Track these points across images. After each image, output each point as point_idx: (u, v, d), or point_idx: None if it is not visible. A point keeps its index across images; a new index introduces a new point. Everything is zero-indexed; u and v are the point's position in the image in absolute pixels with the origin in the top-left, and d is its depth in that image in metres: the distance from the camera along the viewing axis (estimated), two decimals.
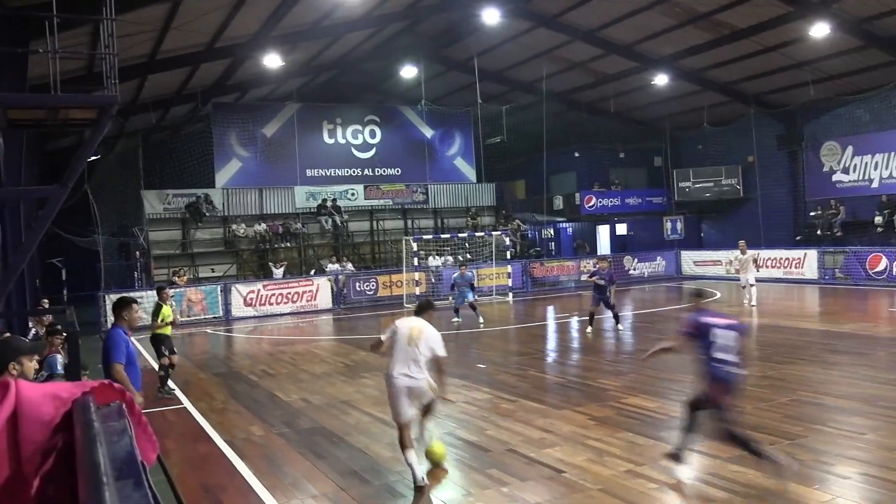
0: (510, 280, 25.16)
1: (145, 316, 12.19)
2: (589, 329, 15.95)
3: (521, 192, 35.32)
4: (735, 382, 6.25)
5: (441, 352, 6.92)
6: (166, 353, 11.67)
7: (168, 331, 11.88)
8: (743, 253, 19.87)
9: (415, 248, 23.49)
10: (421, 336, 6.84)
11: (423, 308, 7.34)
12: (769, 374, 10.48)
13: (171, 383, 11.81)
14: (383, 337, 6.92)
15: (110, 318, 7.71)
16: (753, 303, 19.13)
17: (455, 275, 19.05)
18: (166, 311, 11.81)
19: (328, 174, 30.11)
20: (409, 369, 6.72)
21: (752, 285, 19.31)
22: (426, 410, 7.11)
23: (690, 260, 28.89)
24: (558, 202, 31.71)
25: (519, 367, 12.34)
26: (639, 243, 30.68)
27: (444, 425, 8.72)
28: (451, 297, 19.48)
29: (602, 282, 16.20)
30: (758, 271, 20.00)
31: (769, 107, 27.64)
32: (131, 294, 19.50)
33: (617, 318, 16.19)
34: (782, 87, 26.39)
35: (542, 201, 30.01)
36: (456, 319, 18.04)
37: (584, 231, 33.56)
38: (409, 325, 6.93)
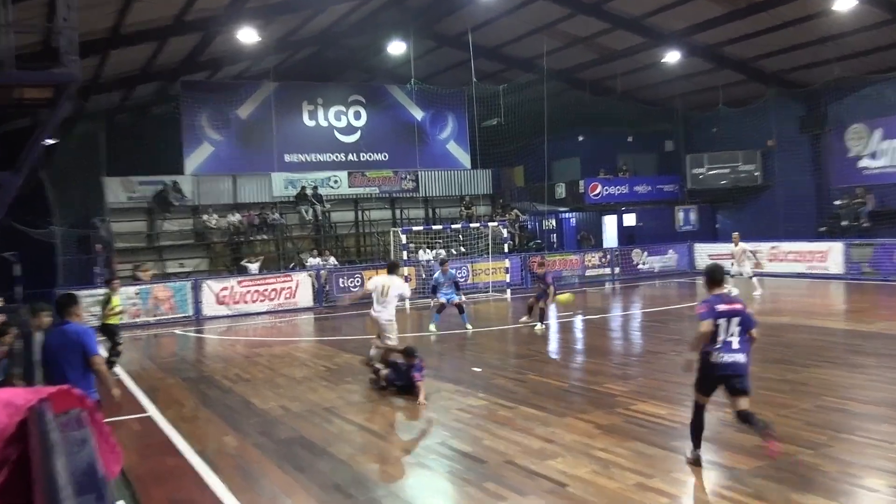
0: (508, 275, 25.20)
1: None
2: (538, 326, 16.73)
3: (520, 179, 35.32)
4: (733, 368, 7.01)
5: (407, 293, 12.76)
6: (121, 342, 13.77)
7: (117, 320, 13.89)
8: (735, 244, 21.11)
9: (404, 241, 23.48)
10: (389, 289, 11.90)
11: (393, 268, 12.59)
12: (790, 378, 10.53)
13: (129, 382, 11.81)
14: (367, 288, 12.21)
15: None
16: (757, 292, 20.23)
17: (436, 274, 18.31)
18: (115, 300, 13.79)
19: (308, 160, 30.06)
20: (376, 308, 11.99)
21: (750, 277, 20.56)
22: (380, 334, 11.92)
23: (704, 253, 28.94)
24: (560, 190, 31.74)
25: (517, 370, 12.36)
26: (648, 235, 30.77)
27: (436, 434, 8.72)
28: (432, 301, 18.73)
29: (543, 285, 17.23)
30: (755, 265, 21.14)
31: (790, 86, 27.72)
32: (88, 291, 19.47)
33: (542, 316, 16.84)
34: (804, 65, 26.45)
35: (542, 189, 30.04)
36: (432, 327, 17.14)
37: (589, 222, 33.59)
38: (383, 281, 12.07)
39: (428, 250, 26.46)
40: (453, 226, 26.83)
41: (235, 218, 27.27)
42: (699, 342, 7.04)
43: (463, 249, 27.50)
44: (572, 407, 9.67)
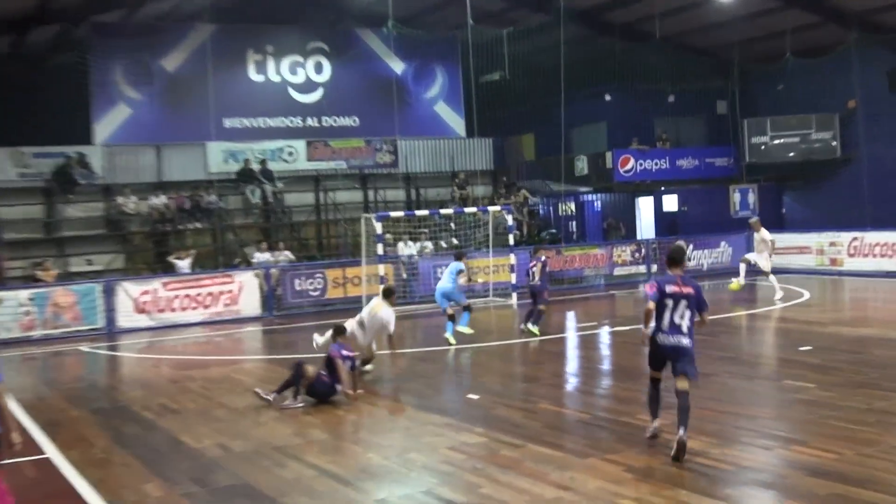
0: (513, 275, 25.18)
1: None
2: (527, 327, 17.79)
3: (530, 150, 35.39)
4: (676, 351, 9.29)
5: (391, 329, 14.02)
6: None
7: None
8: (756, 230, 22.27)
9: (379, 231, 23.43)
10: (375, 315, 14.05)
11: (387, 294, 14.52)
12: (877, 406, 10.58)
13: (21, 416, 11.78)
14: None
15: None
16: (778, 295, 21.17)
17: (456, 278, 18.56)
18: None
19: (255, 125, 30.02)
20: (357, 330, 14.09)
21: (767, 274, 21.64)
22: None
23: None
24: (582, 165, 31.80)
25: (526, 397, 12.37)
26: (695, 223, 30.89)
27: (420, 481, 8.72)
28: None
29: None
30: (770, 256, 22.01)
31: (879, 31, 27.79)
32: None
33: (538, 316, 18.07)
34: None
35: (559, 164, 30.05)
36: (464, 329, 18.00)
37: (619, 206, 33.69)
38: (373, 304, 14.31)
39: (410, 243, 26.45)
40: (443, 211, 26.82)
41: (160, 201, 27.20)
42: (646, 321, 9.41)
43: (455, 242, 27.51)
44: (597, 445, 9.67)
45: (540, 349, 16.76)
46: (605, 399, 12.34)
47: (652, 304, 9.34)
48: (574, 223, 33.33)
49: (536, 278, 18.32)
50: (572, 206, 33.54)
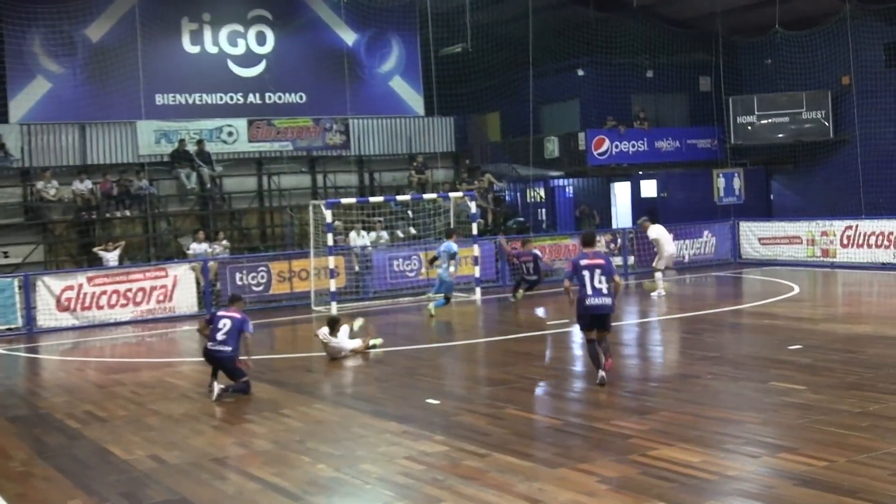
0: (477, 268, 25.23)
1: None
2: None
3: (495, 131, 35.42)
4: (600, 309, 12.77)
5: (349, 347, 16.05)
6: None
7: None
8: (645, 230, 23.76)
9: (329, 220, 23.37)
10: (329, 339, 15.96)
11: (333, 324, 16.17)
12: (871, 411, 10.74)
13: None
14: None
15: None
16: (660, 292, 22.41)
17: (443, 246, 21.61)
18: None
19: (190, 102, 29.81)
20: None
21: (657, 270, 22.99)
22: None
23: (754, 236, 29.41)
24: (552, 147, 31.89)
25: (491, 402, 12.41)
26: (676, 211, 31.07)
27: (375, 496, 8.74)
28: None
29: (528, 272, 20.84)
30: (666, 249, 23.09)
31: (875, 1, 28.05)
32: None
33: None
34: None
35: (526, 146, 30.14)
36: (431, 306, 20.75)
37: (593, 192, 33.86)
38: (324, 332, 15.99)
39: (364, 233, 26.39)
40: (399, 198, 26.77)
41: (84, 186, 26.92)
42: (567, 293, 13.09)
43: (413, 231, 27.53)
44: (568, 453, 9.73)
45: (507, 349, 16.81)
46: (578, 403, 12.43)
47: (567, 282, 13.09)
48: (544, 211, 33.47)
49: (532, 273, 21.75)
50: (542, 192, 33.66)
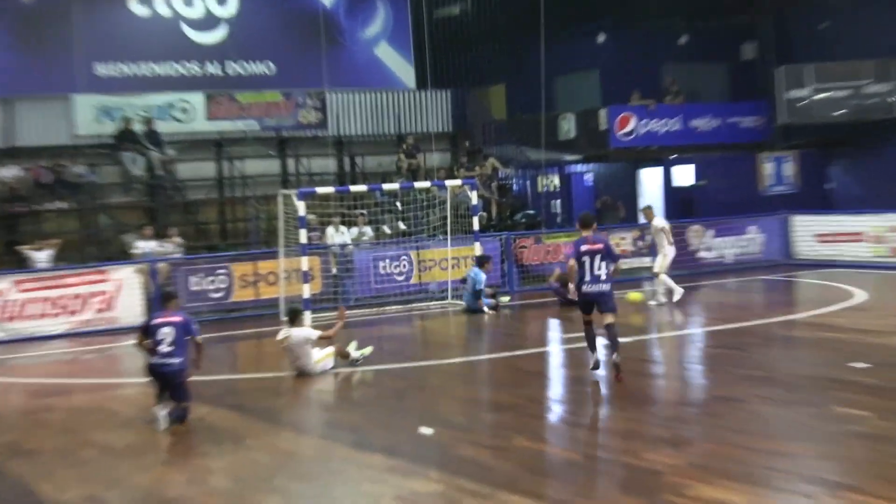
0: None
1: None
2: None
3: (500, 108, 35.40)
4: (599, 296, 14.50)
5: (315, 335, 16.27)
6: None
7: None
8: (649, 220, 23.88)
9: (302, 212, 23.30)
10: (291, 343, 16.22)
11: (294, 316, 16.69)
12: None
13: None
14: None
15: None
16: (659, 300, 22.65)
17: (472, 272, 23.19)
18: None
19: (138, 73, 29.83)
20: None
21: (657, 273, 23.05)
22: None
23: (809, 232, 29.40)
24: (568, 126, 31.88)
25: (496, 431, 12.36)
26: (716, 202, 31.15)
27: None
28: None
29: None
30: (669, 249, 23.20)
31: None
32: None
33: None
34: None
35: (537, 125, 30.06)
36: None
37: (617, 179, 33.89)
38: (284, 335, 16.33)
39: (343, 228, 26.37)
40: (386, 187, 26.76)
41: (10, 173, 26.88)
42: (570, 276, 14.92)
43: (403, 227, 27.56)
44: (589, 493, 9.69)
45: (514, 367, 16.78)
46: (600, 433, 12.37)
47: (573, 262, 14.62)
48: (558, 202, 33.46)
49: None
50: (556, 180, 33.63)
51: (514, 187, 33.11)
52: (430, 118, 32.80)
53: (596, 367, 14.57)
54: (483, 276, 22.94)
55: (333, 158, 31.21)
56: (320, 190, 25.43)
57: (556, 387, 15.50)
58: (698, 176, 32.13)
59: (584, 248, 14.48)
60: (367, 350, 16.94)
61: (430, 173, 30.01)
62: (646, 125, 31.09)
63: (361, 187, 26.68)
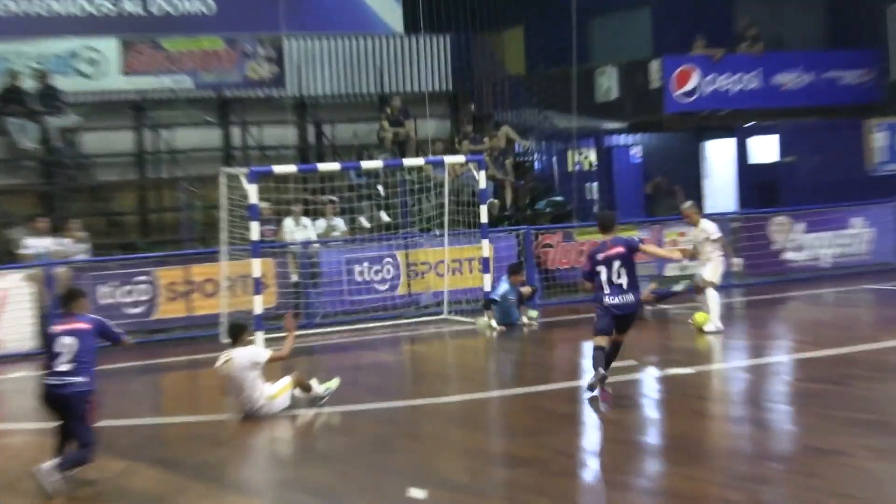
0: (488, 278, 25.14)
1: None
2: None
3: (517, 59, 35.53)
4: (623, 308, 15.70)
5: (262, 358, 16.22)
6: None
7: None
8: (694, 223, 23.21)
9: (253, 199, 23.26)
10: (232, 369, 15.90)
11: (237, 333, 16.50)
12: None
13: None
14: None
15: None
16: (715, 326, 21.79)
17: (502, 289, 23.70)
18: None
19: (28, 12, 29.82)
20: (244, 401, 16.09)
21: (702, 286, 22.51)
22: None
23: None
24: (608, 84, 31.91)
25: (512, 493, 12.38)
26: (808, 186, 31.22)
27: None
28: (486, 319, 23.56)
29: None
30: (719, 259, 22.74)
31: None
32: None
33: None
34: None
35: (567, 83, 30.14)
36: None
37: (674, 154, 33.91)
38: (224, 359, 16.16)
39: (307, 220, 26.38)
40: (365, 164, 26.79)
41: None
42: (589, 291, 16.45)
43: (386, 218, 27.62)
44: None
45: (535, 407, 16.77)
46: (653, 496, 12.34)
47: (588, 284, 16.13)
48: (595, 186, 33.46)
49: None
50: (592, 155, 33.65)
51: (536, 165, 33.18)
52: (424, 73, 32.82)
53: (593, 386, 15.75)
54: (505, 288, 23.33)
55: (293, 127, 31.25)
56: (278, 169, 25.34)
57: (590, 434, 15.47)
58: (784, 150, 32.20)
59: (600, 255, 15.75)
60: (334, 383, 16.79)
61: (424, 147, 30.00)
62: (712, 82, 31.15)
63: (332, 165, 26.77)
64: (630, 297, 15.59)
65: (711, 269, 22.32)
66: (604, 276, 15.53)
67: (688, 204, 23.84)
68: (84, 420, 13.00)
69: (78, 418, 13.00)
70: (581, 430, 15.47)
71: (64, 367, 13.03)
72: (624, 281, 15.49)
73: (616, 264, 15.50)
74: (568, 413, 16.35)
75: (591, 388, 15.80)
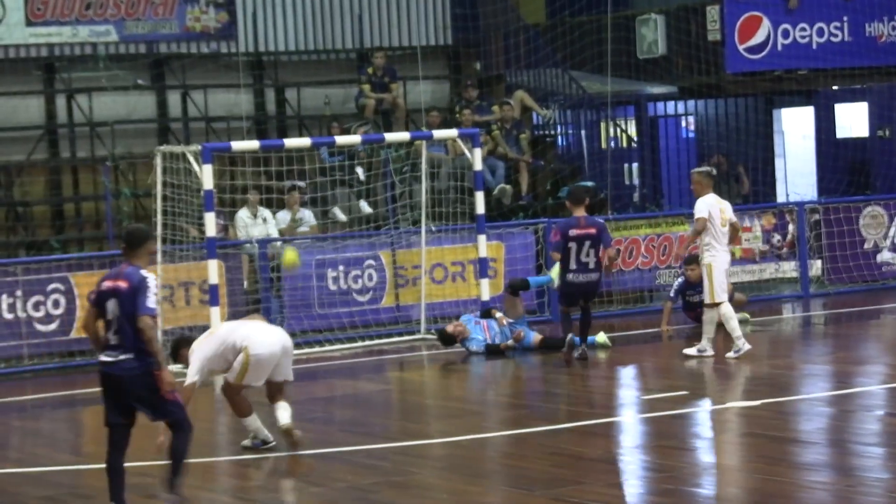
0: (484, 284, 25.30)
1: None
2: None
3: (536, 4, 35.55)
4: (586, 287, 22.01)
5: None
6: None
7: None
8: (697, 195, 23.37)
9: (208, 185, 23.39)
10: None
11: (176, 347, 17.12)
12: None
13: None
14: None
15: None
16: (737, 351, 22.12)
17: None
18: None
19: None
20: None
21: (714, 304, 22.56)
22: None
23: None
24: (652, 37, 31.98)
25: None
26: None
27: None
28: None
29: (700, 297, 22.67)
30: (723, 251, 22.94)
31: None
32: None
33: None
34: None
35: (599, 34, 30.25)
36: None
37: (738, 126, 33.92)
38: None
39: (266, 212, 26.49)
40: (341, 140, 26.75)
41: None
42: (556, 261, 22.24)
43: (367, 208, 27.72)
44: None
45: (559, 451, 16.86)
46: None
47: (557, 255, 20.77)
48: (635, 167, 33.55)
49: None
50: (632, 127, 33.76)
51: (560, 141, 33.23)
52: (415, 23, 32.90)
53: (570, 349, 20.80)
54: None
55: (247, 92, 31.34)
56: (237, 145, 25.49)
57: (629, 485, 15.56)
58: (877, 122, 32.22)
59: (573, 232, 20.71)
60: (285, 419, 16.84)
61: (415, 118, 30.14)
62: (787, 35, 31.21)
63: (298, 141, 26.84)
64: (593, 276, 20.84)
65: (709, 274, 22.19)
66: (572, 253, 20.31)
67: (702, 171, 23.75)
68: (155, 398, 13.64)
69: (146, 402, 13.68)
70: (615, 480, 15.57)
71: (113, 339, 13.49)
72: (591, 260, 20.39)
73: (587, 244, 20.34)
74: (599, 458, 16.47)
75: (566, 359, 20.81)
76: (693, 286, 24.49)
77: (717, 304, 21.94)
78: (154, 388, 13.16)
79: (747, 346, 21.97)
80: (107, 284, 13.30)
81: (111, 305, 13.23)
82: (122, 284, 13.17)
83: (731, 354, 21.97)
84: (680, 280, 25.46)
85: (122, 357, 13.16)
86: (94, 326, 13.46)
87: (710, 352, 21.85)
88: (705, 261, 22.22)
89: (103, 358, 13.30)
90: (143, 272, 13.39)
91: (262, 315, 19.39)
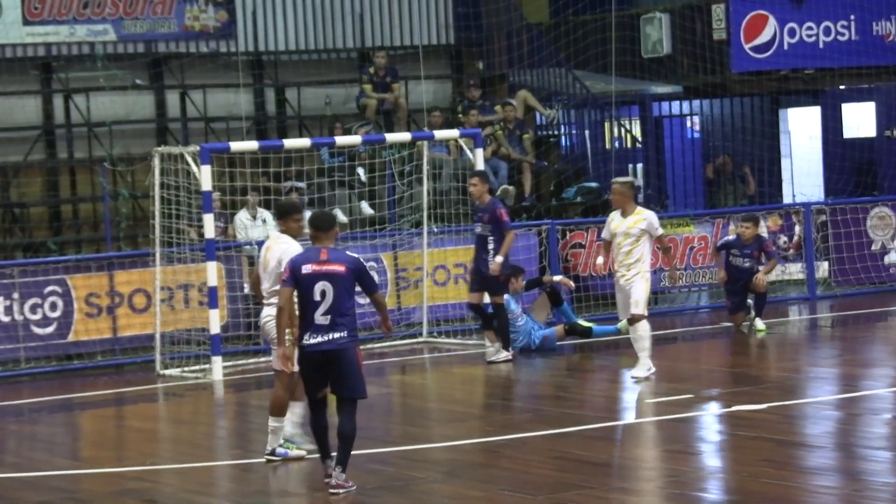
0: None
1: None
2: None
3: (539, 2, 35.51)
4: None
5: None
6: None
7: None
8: (754, 224, 24.73)
9: (207, 186, 23.41)
10: (269, 259, 16.83)
11: (284, 213, 17.01)
12: None
13: None
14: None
15: None
16: (647, 369, 21.53)
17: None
18: None
19: None
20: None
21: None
22: None
23: None
24: (657, 35, 31.98)
25: None
26: None
27: None
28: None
29: (745, 262, 23.12)
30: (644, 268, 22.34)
31: None
32: None
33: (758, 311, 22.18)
34: None
35: (604, 34, 30.25)
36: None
37: (744, 127, 33.95)
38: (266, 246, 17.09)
39: (265, 214, 26.48)
40: (341, 141, 26.78)
41: None
42: (283, 322, 15.00)
43: (368, 210, 27.76)
44: None
45: (562, 455, 16.89)
46: None
47: (287, 292, 14.31)
48: (640, 168, 33.57)
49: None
50: (636, 127, 33.76)
51: (563, 142, 33.24)
52: (417, 22, 32.92)
53: (328, 474, 14.88)
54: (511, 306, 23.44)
55: (247, 92, 31.36)
56: (235, 146, 25.50)
57: (634, 490, 15.59)
58: (884, 121, 32.21)
59: (307, 269, 14.19)
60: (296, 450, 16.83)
61: (417, 118, 30.13)
62: (794, 34, 31.21)
63: (298, 142, 26.84)
64: (337, 335, 15.16)
65: (643, 286, 21.55)
66: (309, 305, 14.51)
67: (744, 221, 24.52)
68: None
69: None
70: (620, 484, 15.59)
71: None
72: (335, 318, 15.19)
73: (330, 289, 14.49)
74: (604, 462, 16.51)
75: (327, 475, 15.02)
76: (742, 246, 24.06)
77: (641, 318, 21.14)
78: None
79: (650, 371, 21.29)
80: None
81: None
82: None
83: (637, 373, 21.22)
84: (731, 237, 25.32)
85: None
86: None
87: (653, 368, 20.99)
88: (643, 274, 21.44)
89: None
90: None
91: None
